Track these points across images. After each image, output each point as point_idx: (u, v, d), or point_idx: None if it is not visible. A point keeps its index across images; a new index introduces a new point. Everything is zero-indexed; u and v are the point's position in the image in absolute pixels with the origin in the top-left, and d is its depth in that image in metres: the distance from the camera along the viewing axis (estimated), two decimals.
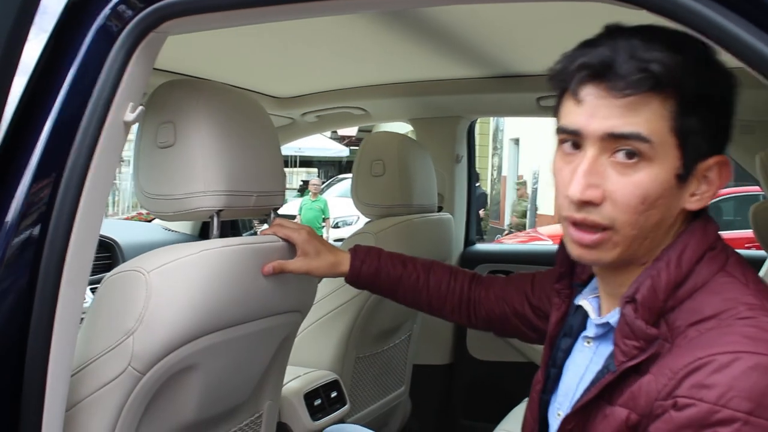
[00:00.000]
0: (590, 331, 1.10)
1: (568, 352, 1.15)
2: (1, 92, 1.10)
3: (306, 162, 20.98)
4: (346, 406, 2.05)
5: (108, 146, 1.15)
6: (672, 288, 0.96)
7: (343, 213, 12.18)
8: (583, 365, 1.09)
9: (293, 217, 11.03)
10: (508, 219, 15.81)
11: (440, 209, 2.66)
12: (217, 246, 1.28)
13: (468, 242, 2.93)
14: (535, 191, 14.71)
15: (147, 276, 1.22)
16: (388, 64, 2.28)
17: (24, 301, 1.11)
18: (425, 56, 2.12)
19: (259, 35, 1.80)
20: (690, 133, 0.95)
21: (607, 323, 1.05)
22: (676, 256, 0.97)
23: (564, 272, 1.18)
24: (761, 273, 1.86)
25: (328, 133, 19.75)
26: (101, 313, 1.25)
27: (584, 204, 0.96)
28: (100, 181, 1.15)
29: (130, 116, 1.17)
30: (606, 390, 0.98)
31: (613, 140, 0.94)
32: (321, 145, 18.97)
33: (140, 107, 1.18)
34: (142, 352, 1.21)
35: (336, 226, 12.10)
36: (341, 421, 2.02)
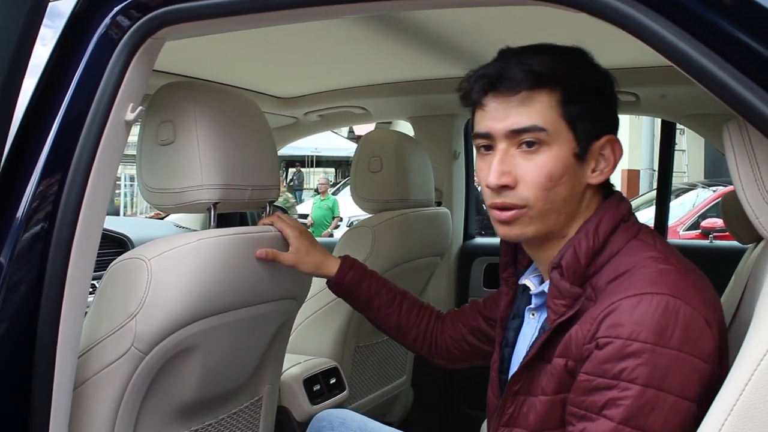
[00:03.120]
0: (533, 303, 1.24)
1: (518, 330, 1.28)
2: (12, 95, 1.19)
3: (322, 162, 21.05)
4: (344, 392, 2.14)
5: (110, 144, 1.24)
6: (592, 254, 1.12)
7: (358, 212, 12.22)
8: (530, 335, 1.23)
9: (306, 216, 11.13)
10: None
11: (439, 204, 2.74)
12: (213, 235, 1.38)
13: (467, 236, 3.00)
14: None
15: (148, 263, 1.31)
16: (387, 65, 2.35)
17: (34, 290, 1.20)
18: (421, 57, 2.20)
19: (262, 38, 1.89)
20: (578, 118, 1.13)
21: (543, 292, 1.20)
22: (593, 228, 1.14)
23: (508, 261, 1.33)
24: (739, 265, 1.92)
25: (345, 133, 19.78)
26: (107, 297, 1.35)
27: (502, 189, 1.14)
28: (103, 177, 1.25)
29: (130, 116, 1.26)
30: (544, 350, 1.12)
31: (515, 134, 1.14)
32: (337, 145, 19.01)
33: (140, 107, 1.27)
34: (144, 334, 1.31)
35: (351, 225, 12.17)
36: (340, 406, 2.11)
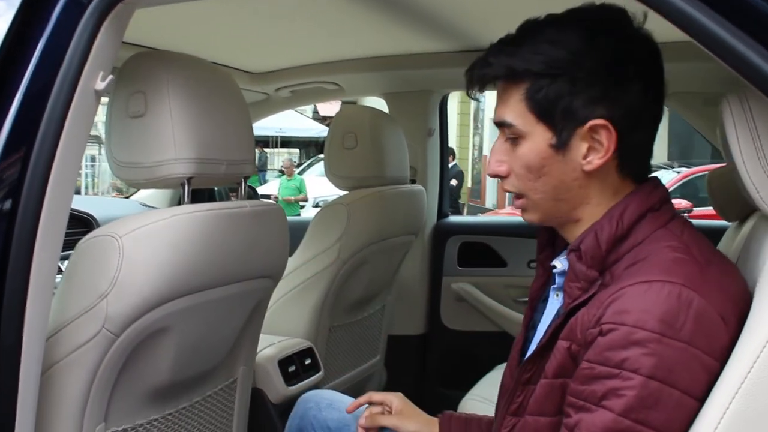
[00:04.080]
0: (556, 282, 1.19)
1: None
2: None
3: (287, 142, 20.89)
4: (319, 373, 2.10)
5: (79, 115, 1.18)
6: (613, 241, 1.06)
7: (323, 192, 12.19)
8: (552, 314, 1.19)
9: (269, 196, 11.06)
10: (490, 198, 15.88)
11: (413, 182, 2.70)
12: (187, 211, 1.32)
13: (441, 214, 2.97)
14: None
15: (120, 240, 1.25)
16: (361, 38, 2.30)
17: None
18: (397, 30, 2.15)
19: (233, 9, 1.82)
20: (551, 107, 1.07)
21: (566, 271, 1.14)
22: (618, 214, 1.07)
23: (544, 243, 1.26)
24: (721, 243, 1.91)
25: (310, 114, 19.66)
26: (76, 277, 1.29)
27: (499, 176, 1.15)
28: (71, 151, 1.18)
29: (100, 85, 1.20)
30: (557, 337, 1.07)
31: (501, 126, 1.13)
32: (302, 125, 18.89)
33: (110, 77, 1.21)
34: (116, 315, 1.25)
35: (317, 206, 12.13)
36: (316, 387, 2.07)
